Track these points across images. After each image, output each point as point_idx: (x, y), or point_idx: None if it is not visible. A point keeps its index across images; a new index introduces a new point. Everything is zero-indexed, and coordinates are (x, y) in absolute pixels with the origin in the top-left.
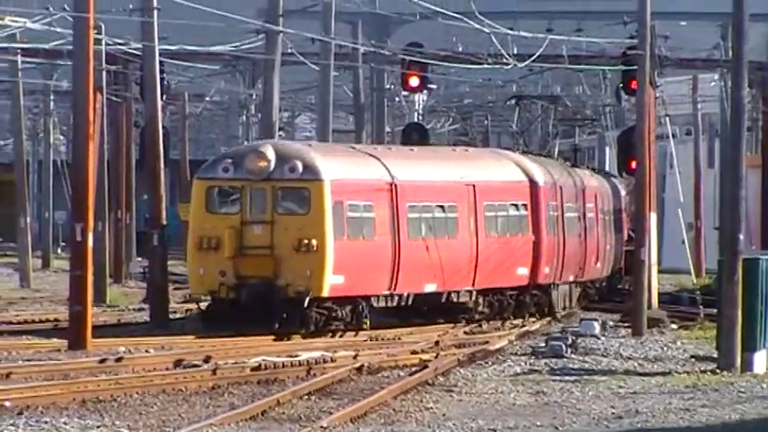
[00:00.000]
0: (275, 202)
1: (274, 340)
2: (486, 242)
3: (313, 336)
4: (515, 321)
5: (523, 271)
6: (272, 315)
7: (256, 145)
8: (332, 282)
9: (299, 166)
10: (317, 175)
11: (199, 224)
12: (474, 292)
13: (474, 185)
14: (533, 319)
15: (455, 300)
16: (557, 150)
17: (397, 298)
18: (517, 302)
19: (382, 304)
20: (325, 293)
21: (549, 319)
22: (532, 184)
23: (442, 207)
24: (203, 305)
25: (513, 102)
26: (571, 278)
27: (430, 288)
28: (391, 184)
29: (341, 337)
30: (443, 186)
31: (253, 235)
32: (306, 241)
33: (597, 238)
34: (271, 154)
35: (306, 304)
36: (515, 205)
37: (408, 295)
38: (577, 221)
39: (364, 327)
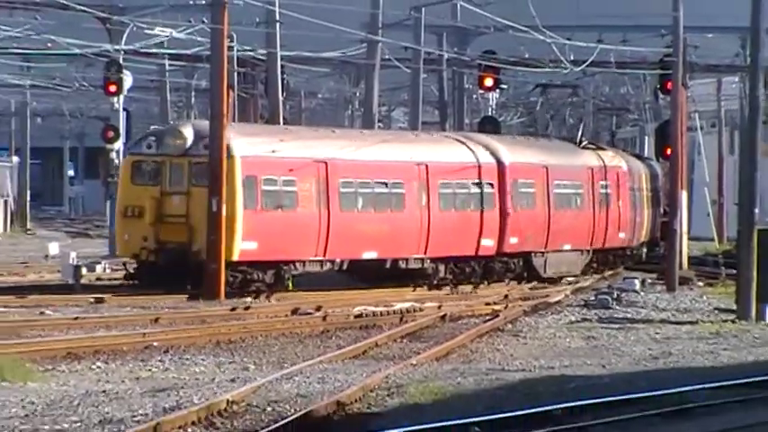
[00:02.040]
0: (191, 175)
1: (488, 285)
2: (440, 216)
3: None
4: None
5: (489, 242)
6: (187, 276)
7: (176, 125)
8: (243, 247)
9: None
10: (229, 151)
11: (125, 194)
12: (427, 260)
13: (426, 165)
14: (586, 277)
15: (404, 266)
16: (580, 134)
17: (329, 263)
18: (485, 269)
19: (313, 269)
20: (236, 258)
21: (598, 276)
22: (500, 165)
23: (385, 183)
24: (130, 267)
25: (538, 89)
26: (568, 247)
27: (369, 255)
28: (322, 162)
29: (415, 290)
30: (388, 166)
31: (171, 205)
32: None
33: (619, 211)
34: (188, 132)
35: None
36: (478, 183)
37: (342, 261)
38: (577, 197)
39: (288, 288)
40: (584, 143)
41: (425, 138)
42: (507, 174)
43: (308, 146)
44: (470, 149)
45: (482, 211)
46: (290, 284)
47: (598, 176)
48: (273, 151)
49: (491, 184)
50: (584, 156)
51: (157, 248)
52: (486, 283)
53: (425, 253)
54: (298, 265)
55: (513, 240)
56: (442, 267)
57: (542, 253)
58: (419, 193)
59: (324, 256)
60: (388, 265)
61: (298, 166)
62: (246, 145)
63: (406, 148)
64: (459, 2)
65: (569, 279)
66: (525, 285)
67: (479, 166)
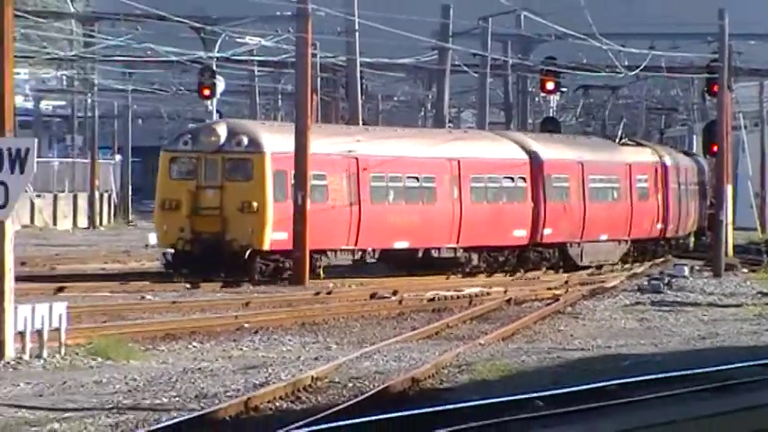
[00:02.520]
0: (224, 170)
1: (446, 279)
2: (472, 208)
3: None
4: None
5: (522, 233)
6: (221, 265)
7: (212, 123)
8: (273, 237)
9: (245, 140)
10: (259, 148)
11: (163, 188)
12: (460, 249)
13: (459, 161)
14: (631, 265)
15: (436, 255)
16: (620, 132)
17: (360, 252)
18: (520, 258)
19: (346, 257)
20: (266, 247)
21: (650, 263)
22: (533, 161)
23: (416, 178)
24: (169, 256)
25: (581, 90)
26: (604, 237)
27: (401, 245)
28: (353, 158)
29: (448, 278)
30: (419, 161)
31: (206, 198)
32: (248, 203)
33: (657, 204)
34: (222, 131)
35: (246, 256)
36: (510, 178)
37: (375, 250)
38: (614, 190)
39: (319, 276)
40: (623, 140)
41: (467, 135)
42: (541, 169)
43: (337, 142)
44: (520, 146)
45: (514, 204)
46: (322, 272)
47: (636, 171)
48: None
49: (523, 179)
50: (622, 152)
51: (193, 239)
52: (522, 271)
53: (458, 242)
54: (329, 253)
55: (548, 231)
56: (475, 256)
57: (578, 243)
58: (451, 187)
59: (356, 245)
60: (421, 255)
61: (328, 161)
62: (277, 141)
63: (441, 146)
64: (523, 12)
65: (625, 267)
66: (584, 272)
67: (518, 162)
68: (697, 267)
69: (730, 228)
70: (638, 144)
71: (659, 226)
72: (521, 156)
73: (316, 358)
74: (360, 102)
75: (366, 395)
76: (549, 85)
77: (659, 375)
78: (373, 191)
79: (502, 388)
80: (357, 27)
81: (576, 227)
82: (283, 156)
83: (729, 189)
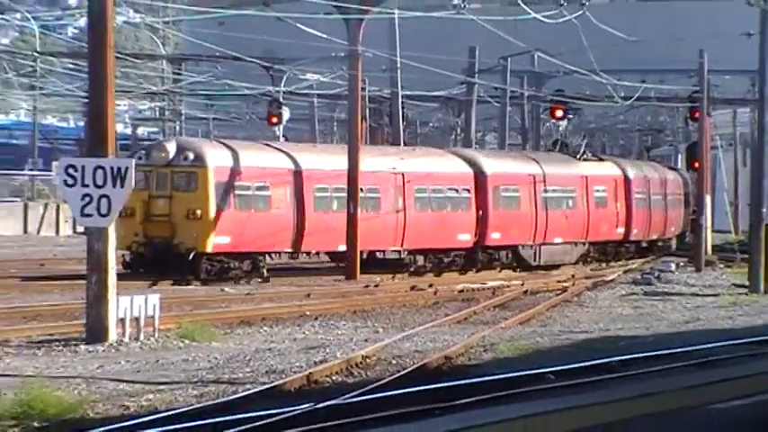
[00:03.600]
0: (173, 182)
1: (476, 272)
2: (416, 216)
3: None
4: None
5: (465, 237)
6: (170, 265)
7: (163, 140)
8: (216, 241)
9: (191, 155)
10: (203, 162)
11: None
12: (404, 252)
13: (403, 174)
14: (632, 261)
15: (381, 257)
16: (582, 149)
17: (305, 254)
18: (468, 259)
19: (288, 259)
20: (210, 250)
21: (643, 260)
22: (478, 174)
23: (361, 189)
24: (127, 257)
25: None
26: (559, 240)
27: (344, 248)
28: (296, 172)
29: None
30: (365, 175)
31: (156, 206)
32: (193, 211)
33: (616, 211)
34: (171, 147)
35: (191, 257)
36: (455, 189)
37: (318, 252)
38: (569, 199)
39: (264, 276)
40: (584, 156)
41: (416, 152)
42: (486, 181)
43: (281, 159)
44: (466, 162)
45: (458, 212)
46: (265, 272)
47: (593, 182)
48: (241, 163)
49: (467, 190)
50: (579, 166)
51: (146, 242)
52: (474, 270)
53: (402, 245)
54: (273, 255)
55: (496, 235)
56: (420, 258)
57: (531, 246)
58: (395, 197)
59: (299, 248)
60: (365, 256)
61: (271, 174)
62: (220, 157)
63: (388, 161)
64: (536, 52)
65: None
66: (587, 267)
67: (458, 176)
68: (682, 264)
69: (709, 231)
70: (600, 159)
71: (620, 230)
72: (465, 170)
73: (365, 340)
74: (401, 127)
75: (407, 370)
76: (558, 113)
77: (650, 353)
78: (317, 200)
79: (520, 364)
80: (399, 65)
81: (527, 231)
82: (225, 169)
83: (708, 199)
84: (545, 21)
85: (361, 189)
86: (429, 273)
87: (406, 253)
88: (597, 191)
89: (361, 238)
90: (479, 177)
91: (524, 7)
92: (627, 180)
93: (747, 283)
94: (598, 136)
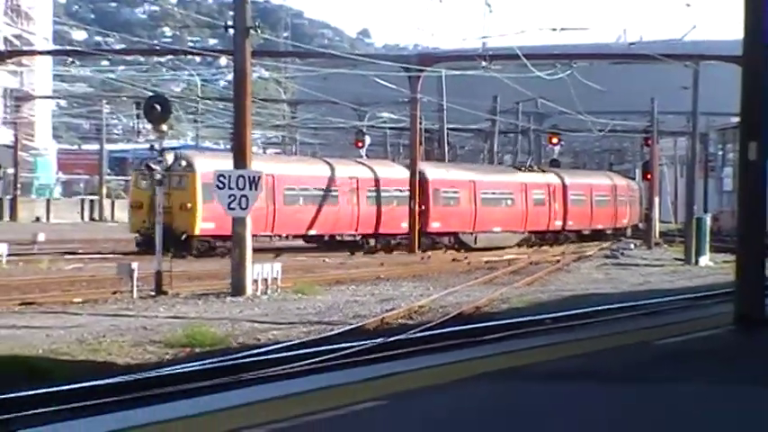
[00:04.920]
0: (170, 183)
1: (423, 252)
2: (367, 209)
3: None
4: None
5: (406, 225)
6: (170, 245)
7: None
8: (203, 226)
9: (184, 163)
10: (192, 168)
11: (133, 194)
12: (359, 236)
13: (357, 179)
14: (605, 242)
15: (340, 239)
16: (528, 163)
17: (278, 237)
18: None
19: (265, 240)
20: (197, 233)
21: (611, 241)
22: (422, 179)
23: (323, 189)
24: (138, 239)
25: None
26: (498, 229)
27: (312, 232)
28: (270, 176)
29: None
30: (326, 178)
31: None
32: (185, 204)
33: (553, 208)
34: (170, 157)
35: (183, 238)
36: (400, 190)
37: (288, 235)
38: (508, 199)
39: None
40: (529, 168)
41: (372, 162)
42: (427, 185)
43: (260, 166)
44: (399, 170)
45: (403, 207)
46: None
47: (531, 188)
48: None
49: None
50: (518, 175)
51: (150, 227)
52: (422, 250)
53: (356, 231)
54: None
55: (436, 225)
56: (371, 240)
57: (471, 233)
58: (351, 196)
59: (273, 232)
60: (326, 238)
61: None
62: (207, 165)
63: (347, 170)
64: (539, 99)
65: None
66: (574, 246)
67: (403, 180)
68: (638, 243)
69: (657, 221)
70: (543, 171)
71: (558, 222)
72: (407, 176)
73: (421, 295)
74: (446, 150)
75: (449, 316)
76: (554, 140)
77: (616, 305)
78: (286, 197)
79: (526, 312)
80: (445, 107)
81: (466, 222)
82: (209, 173)
83: (657, 199)
84: (545, 77)
85: (323, 189)
86: (380, 251)
87: (360, 236)
88: (536, 193)
89: (324, 226)
90: (422, 182)
91: (531, 67)
92: (564, 186)
93: (683, 257)
94: (581, 156)
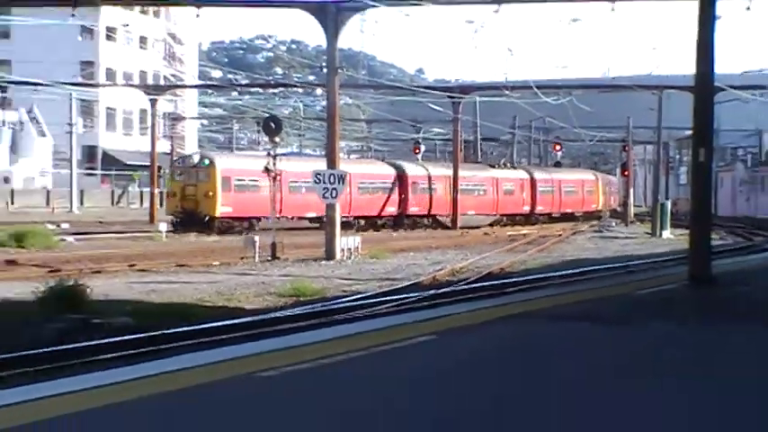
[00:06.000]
0: (197, 176)
1: (404, 231)
2: (358, 197)
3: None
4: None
5: (392, 209)
6: (196, 225)
7: (192, 153)
8: (222, 210)
9: (207, 161)
10: (213, 165)
11: (169, 185)
12: (352, 218)
13: (350, 174)
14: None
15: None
16: (501, 162)
17: (285, 218)
18: (396, 221)
19: (273, 221)
20: (218, 215)
21: (597, 221)
22: (400, 174)
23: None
24: (174, 220)
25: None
26: (472, 212)
27: (311, 214)
28: (277, 172)
29: (377, 231)
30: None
31: (189, 190)
32: (207, 192)
33: (522, 197)
34: (197, 157)
35: (206, 219)
36: (384, 182)
37: (293, 217)
38: (481, 189)
39: (255, 230)
40: (504, 166)
41: (362, 161)
42: (406, 178)
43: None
44: (392, 167)
45: (386, 195)
46: (255, 229)
47: (503, 181)
48: (240, 166)
49: (393, 183)
50: (491, 171)
51: (182, 211)
52: (404, 229)
53: (349, 213)
54: (263, 219)
55: (415, 209)
56: (362, 221)
57: (447, 215)
58: (345, 187)
59: (280, 214)
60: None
61: (259, 173)
62: (225, 163)
63: (346, 167)
64: (546, 118)
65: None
66: (572, 224)
67: (386, 175)
68: (619, 221)
69: (632, 206)
70: (514, 168)
71: (526, 207)
72: (392, 172)
73: (461, 259)
74: (479, 155)
75: (482, 274)
76: (557, 148)
77: (602, 266)
78: (290, 188)
79: (538, 272)
80: (479, 125)
81: (443, 207)
82: (228, 168)
83: (632, 190)
84: (551, 102)
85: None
86: (369, 230)
87: (352, 218)
88: (506, 185)
89: (323, 209)
90: (402, 176)
91: (540, 95)
92: (533, 180)
93: (651, 232)
94: (576, 159)
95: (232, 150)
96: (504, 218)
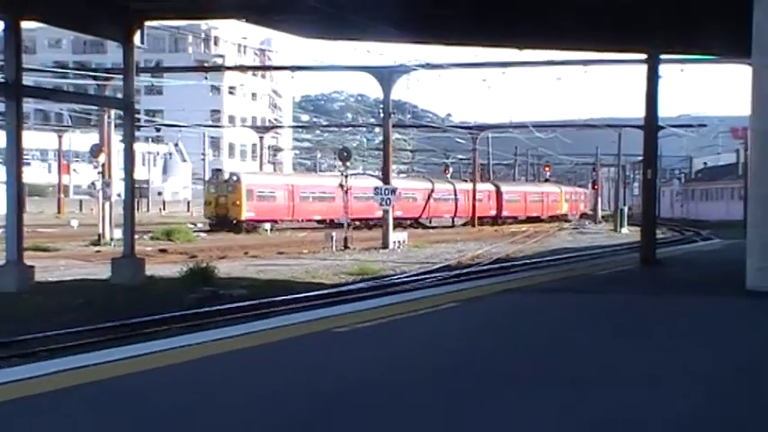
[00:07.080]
0: (227, 189)
1: (523, 223)
2: (354, 204)
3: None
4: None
5: (379, 213)
6: (228, 227)
7: (223, 170)
8: (247, 215)
9: (234, 178)
10: (239, 180)
11: (206, 196)
12: (348, 220)
13: (349, 187)
14: (564, 223)
15: (335, 222)
16: (472, 177)
17: (297, 222)
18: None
19: (287, 223)
20: (243, 218)
21: (574, 221)
22: (433, 188)
23: (325, 192)
24: (211, 222)
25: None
26: (447, 216)
27: (317, 217)
28: (291, 185)
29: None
30: (327, 187)
31: (221, 200)
32: (234, 201)
33: (488, 204)
34: (226, 174)
35: (234, 222)
36: (423, 192)
37: (302, 220)
38: (451, 199)
39: (272, 231)
40: (471, 181)
41: (358, 177)
42: (396, 191)
43: (283, 180)
44: (376, 182)
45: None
46: (270, 230)
47: (472, 193)
48: (261, 182)
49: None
50: (464, 185)
51: (216, 215)
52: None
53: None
54: (278, 222)
55: (399, 213)
56: (357, 222)
57: (426, 218)
58: (343, 196)
59: (292, 217)
60: (328, 222)
61: (276, 186)
62: (249, 179)
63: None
64: (540, 148)
65: (570, 222)
66: (557, 223)
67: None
68: (590, 222)
69: (600, 210)
70: (487, 181)
71: (492, 212)
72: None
73: (478, 248)
74: (491, 174)
75: (493, 259)
76: (546, 169)
77: (576, 254)
78: (301, 198)
79: (533, 257)
80: (490, 153)
81: (419, 211)
82: (251, 183)
83: (600, 199)
84: (542, 137)
85: (324, 191)
86: (363, 228)
87: (350, 219)
88: (478, 195)
89: (326, 213)
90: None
91: (535, 132)
92: (498, 191)
93: (614, 229)
94: (561, 177)
95: (316, 172)
96: (475, 219)
